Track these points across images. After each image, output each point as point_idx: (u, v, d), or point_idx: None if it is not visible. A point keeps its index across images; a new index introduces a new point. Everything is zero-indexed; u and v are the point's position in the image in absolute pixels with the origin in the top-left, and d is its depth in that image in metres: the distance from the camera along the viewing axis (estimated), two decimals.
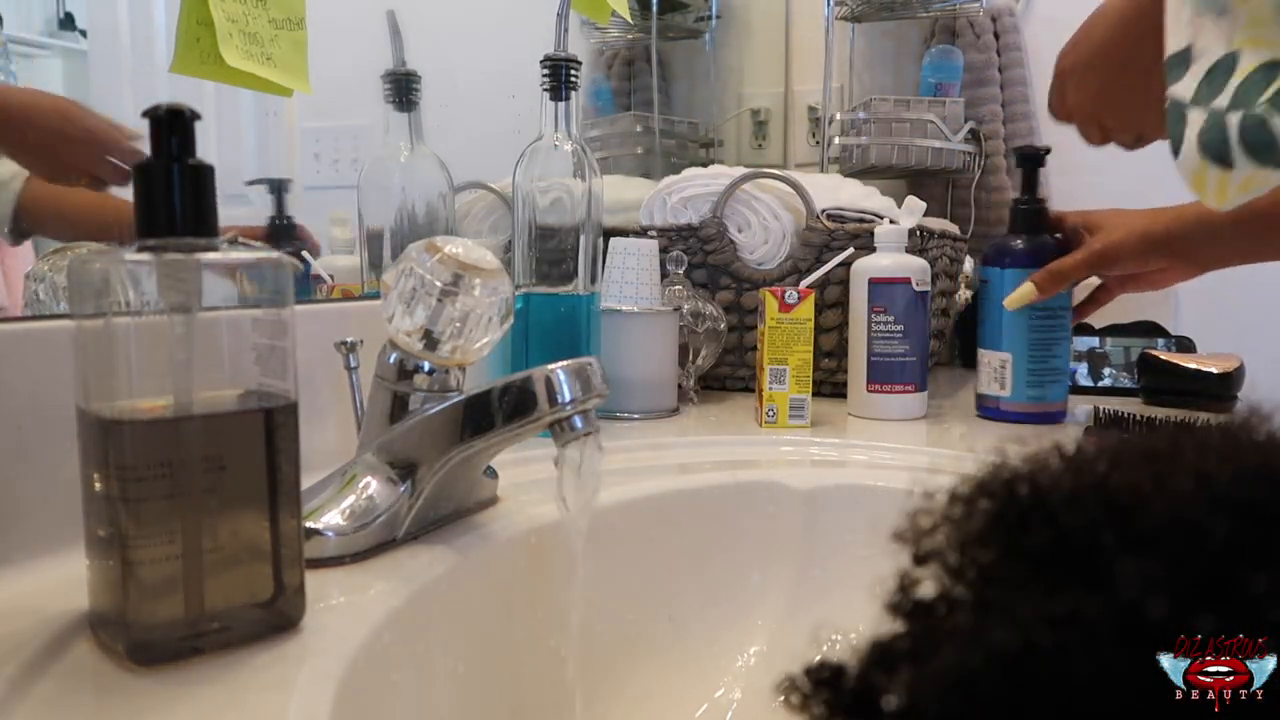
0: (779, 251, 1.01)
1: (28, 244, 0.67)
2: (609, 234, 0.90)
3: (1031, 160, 0.95)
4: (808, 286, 0.91)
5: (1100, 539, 0.18)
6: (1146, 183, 0.86)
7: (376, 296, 0.55)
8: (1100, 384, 1.12)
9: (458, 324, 0.51)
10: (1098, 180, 1.15)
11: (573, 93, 0.78)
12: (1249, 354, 1.01)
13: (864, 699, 0.20)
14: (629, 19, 0.99)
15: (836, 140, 1.31)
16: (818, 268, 0.97)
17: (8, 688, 0.34)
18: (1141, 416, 0.85)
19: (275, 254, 0.39)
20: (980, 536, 0.20)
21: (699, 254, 1.03)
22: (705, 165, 1.24)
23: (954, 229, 1.25)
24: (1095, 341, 1.13)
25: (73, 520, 0.38)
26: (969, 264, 1.33)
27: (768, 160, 1.50)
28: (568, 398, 0.48)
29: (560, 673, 0.55)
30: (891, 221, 0.97)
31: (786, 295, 0.84)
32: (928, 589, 0.21)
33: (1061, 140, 0.94)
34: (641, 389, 0.90)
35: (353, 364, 0.58)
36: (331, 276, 0.87)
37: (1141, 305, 1.10)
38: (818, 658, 0.22)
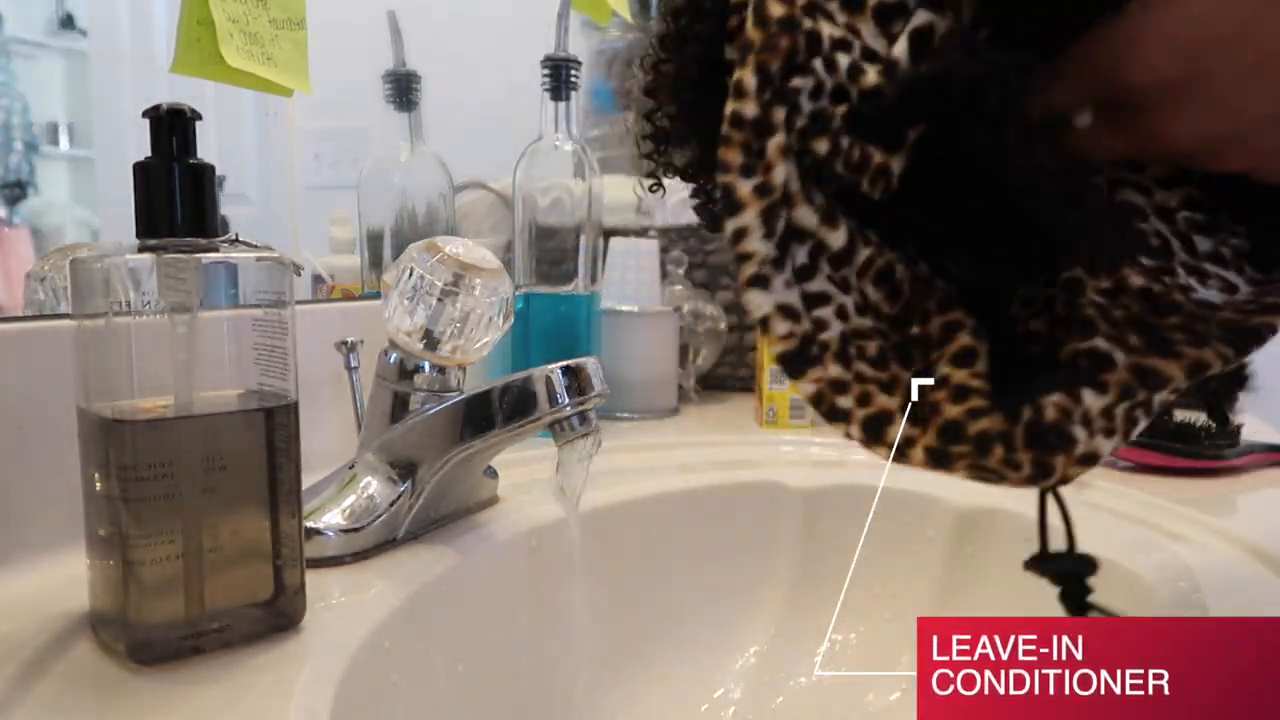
0: None
1: (28, 244, 0.67)
2: (609, 234, 0.90)
3: None
4: None
5: None
6: None
7: (376, 296, 0.55)
8: None
9: (458, 324, 0.51)
10: None
11: (573, 93, 0.78)
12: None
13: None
14: (629, 19, 0.99)
15: None
16: None
17: (8, 688, 0.34)
18: None
19: (276, 254, 0.39)
20: None
21: (699, 254, 1.03)
22: None
23: None
24: None
25: (73, 520, 0.38)
26: None
27: None
28: (568, 398, 0.48)
29: (560, 672, 0.55)
30: None
31: None
32: None
33: None
34: (641, 389, 0.90)
35: (353, 364, 0.58)
36: (332, 276, 0.87)
37: None
38: None
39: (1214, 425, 0.67)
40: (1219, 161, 0.27)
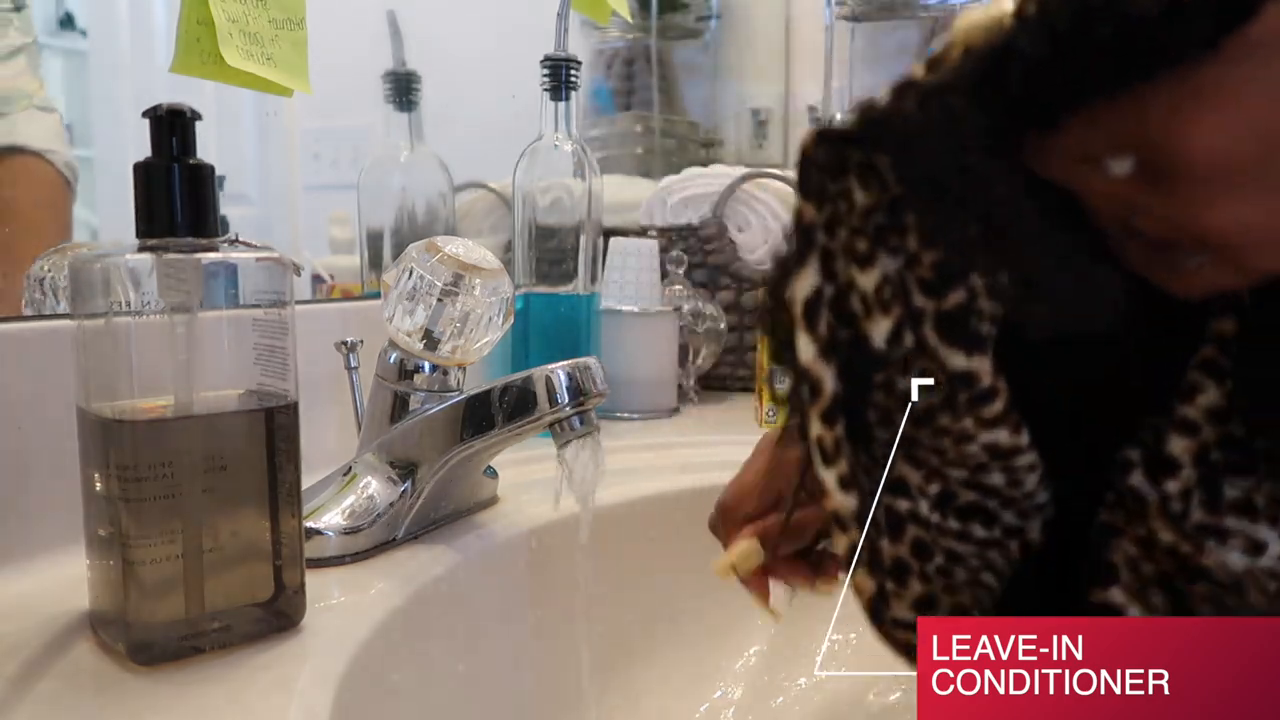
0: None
1: None
2: (609, 234, 0.90)
3: None
4: None
5: None
6: None
7: (376, 296, 0.55)
8: None
9: (458, 324, 0.51)
10: None
11: (573, 93, 0.78)
12: None
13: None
14: (629, 19, 0.99)
15: None
16: None
17: (8, 688, 0.34)
18: None
19: (275, 254, 0.39)
20: None
21: (699, 254, 1.02)
22: (705, 165, 1.24)
23: None
24: None
25: (73, 520, 0.38)
26: None
27: (768, 160, 1.50)
28: (568, 398, 0.48)
29: (560, 672, 0.55)
30: None
31: None
32: None
33: None
34: (641, 389, 0.90)
35: (353, 364, 0.58)
36: (331, 276, 0.87)
37: None
38: None
39: None
40: (1252, 257, 0.24)
